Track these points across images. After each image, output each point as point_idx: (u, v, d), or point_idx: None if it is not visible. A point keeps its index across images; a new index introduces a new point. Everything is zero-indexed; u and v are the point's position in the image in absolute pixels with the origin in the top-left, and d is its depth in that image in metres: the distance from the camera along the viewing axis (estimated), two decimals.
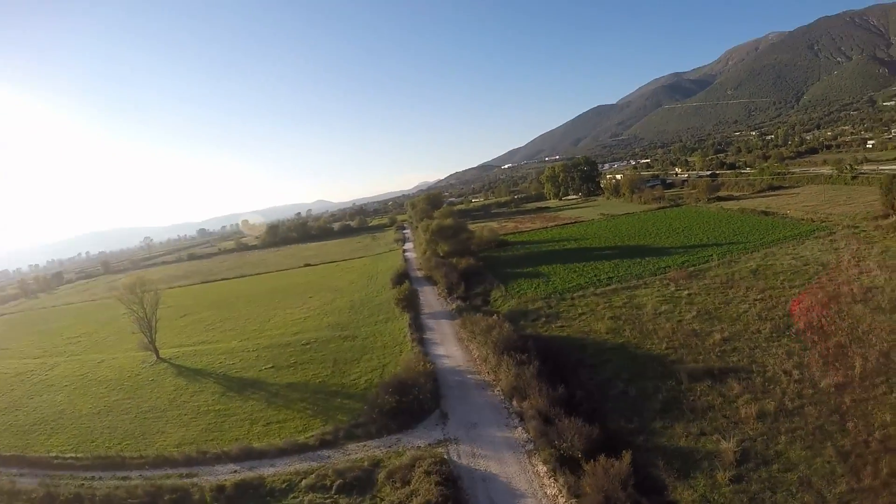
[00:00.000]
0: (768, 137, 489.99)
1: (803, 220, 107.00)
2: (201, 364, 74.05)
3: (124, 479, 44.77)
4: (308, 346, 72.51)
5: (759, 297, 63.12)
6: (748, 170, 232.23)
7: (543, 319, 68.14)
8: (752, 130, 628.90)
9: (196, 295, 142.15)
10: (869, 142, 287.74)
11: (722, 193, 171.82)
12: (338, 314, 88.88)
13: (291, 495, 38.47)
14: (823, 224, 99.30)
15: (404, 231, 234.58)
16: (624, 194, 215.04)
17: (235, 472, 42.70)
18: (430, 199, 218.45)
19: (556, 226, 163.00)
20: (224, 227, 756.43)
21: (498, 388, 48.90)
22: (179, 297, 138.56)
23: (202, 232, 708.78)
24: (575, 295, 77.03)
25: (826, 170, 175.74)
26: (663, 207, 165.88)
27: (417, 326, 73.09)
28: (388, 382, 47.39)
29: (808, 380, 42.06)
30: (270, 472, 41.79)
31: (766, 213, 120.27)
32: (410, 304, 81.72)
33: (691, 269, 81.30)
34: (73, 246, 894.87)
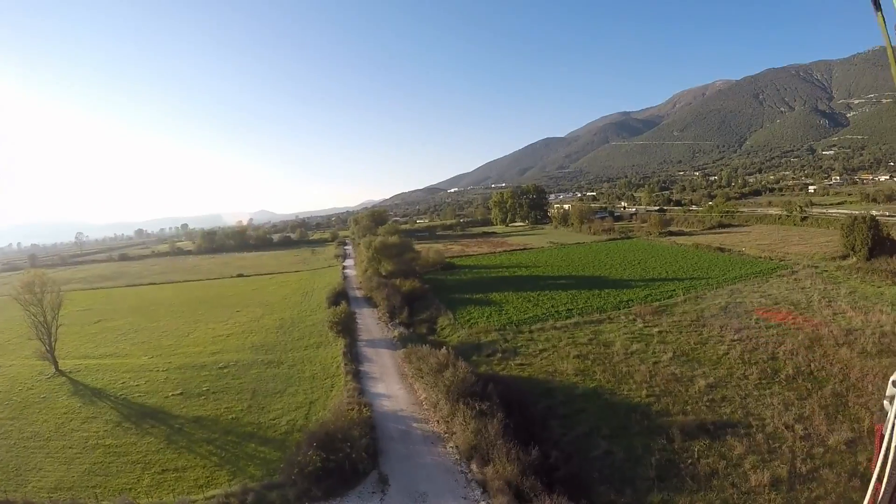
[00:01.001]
0: (712, 178, 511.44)
1: (761, 257, 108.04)
2: (102, 382, 63.37)
3: None
4: (226, 371, 62.88)
5: (735, 337, 59.48)
6: (695, 207, 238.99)
7: (500, 355, 60.35)
8: (695, 171, 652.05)
9: (117, 299, 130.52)
10: (811, 187, 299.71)
11: (673, 228, 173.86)
12: (265, 334, 79.54)
13: None
14: (782, 263, 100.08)
15: (346, 247, 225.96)
16: (573, 224, 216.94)
17: None
18: (375, 216, 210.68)
19: (504, 251, 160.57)
20: (162, 229, 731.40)
21: (452, 444, 39.47)
22: (98, 301, 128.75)
23: (139, 233, 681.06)
24: (533, 328, 70.00)
25: (774, 210, 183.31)
26: (614, 239, 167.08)
27: (353, 355, 64.00)
28: (313, 433, 37.52)
29: (814, 436, 37.36)
30: None
31: (721, 250, 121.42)
32: (346, 328, 71.71)
33: (656, 303, 77.71)
34: (4, 236, 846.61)
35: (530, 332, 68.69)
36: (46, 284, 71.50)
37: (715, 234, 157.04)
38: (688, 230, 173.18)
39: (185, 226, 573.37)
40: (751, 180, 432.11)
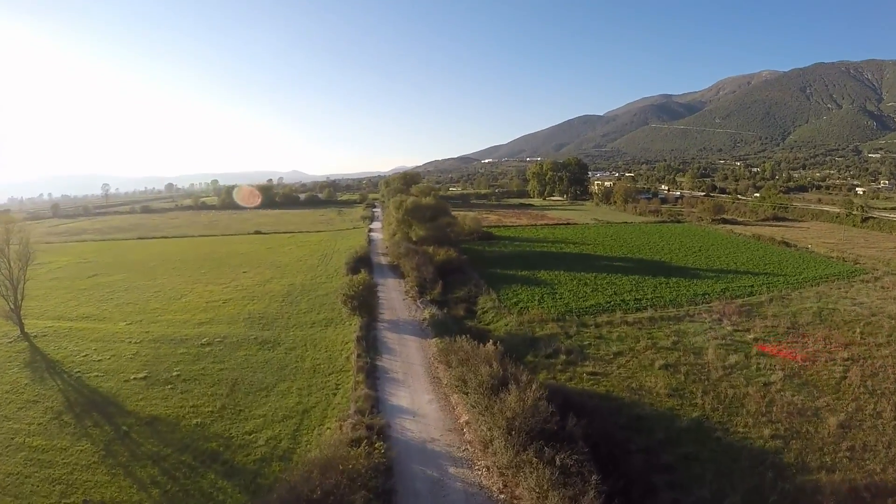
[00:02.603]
0: (754, 169, 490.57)
1: (832, 257, 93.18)
2: (64, 352, 50.91)
3: None
4: (208, 350, 49.38)
5: (846, 355, 46.37)
6: (743, 197, 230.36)
7: (563, 357, 45.64)
8: (736, 160, 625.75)
9: (121, 252, 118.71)
10: (858, 189, 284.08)
11: (726, 216, 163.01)
12: (267, 302, 66.18)
13: None
14: (858, 266, 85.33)
15: (374, 210, 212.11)
16: (616, 202, 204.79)
17: None
18: (407, 179, 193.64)
19: (545, 225, 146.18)
20: (192, 184, 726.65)
21: None
22: (103, 253, 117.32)
23: (169, 187, 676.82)
24: (599, 320, 55.50)
25: (831, 208, 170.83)
26: (663, 221, 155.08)
27: (370, 342, 49.57)
28: (296, 491, 22.88)
29: None
30: None
31: (786, 244, 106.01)
32: (365, 304, 56.29)
33: (739, 301, 63.46)
34: (41, 186, 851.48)
35: (596, 325, 54.18)
36: (12, 234, 58.23)
37: (771, 226, 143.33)
38: (740, 219, 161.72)
39: (215, 181, 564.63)
40: (795, 175, 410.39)
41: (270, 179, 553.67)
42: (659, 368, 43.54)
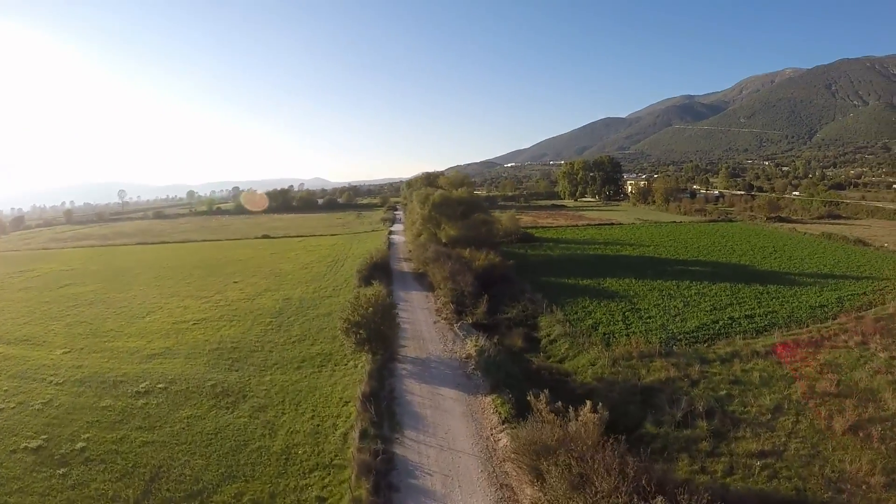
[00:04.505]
0: (784, 168, 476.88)
1: None
2: None
3: None
4: (142, 403, 32.40)
5: None
6: (795, 194, 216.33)
7: (704, 425, 27.49)
8: (764, 160, 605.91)
9: (111, 259, 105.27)
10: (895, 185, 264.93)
11: (782, 214, 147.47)
12: (250, 323, 49.58)
13: None
14: None
15: (396, 212, 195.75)
16: (655, 202, 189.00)
17: None
18: (430, 179, 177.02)
19: (588, 225, 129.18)
20: (213, 192, 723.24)
21: None
22: (92, 260, 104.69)
23: (190, 194, 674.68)
24: (720, 351, 38.13)
25: (887, 204, 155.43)
26: (714, 220, 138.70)
27: (384, 405, 31.14)
28: None
29: None
30: None
31: (863, 243, 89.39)
32: (378, 336, 36.57)
33: (870, 313, 47.52)
34: (64, 195, 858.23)
35: (722, 360, 36.29)
36: None
37: (829, 224, 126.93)
38: (794, 217, 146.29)
39: (235, 188, 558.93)
40: (828, 173, 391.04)
41: (291, 186, 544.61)
42: (843, 434, 26.26)
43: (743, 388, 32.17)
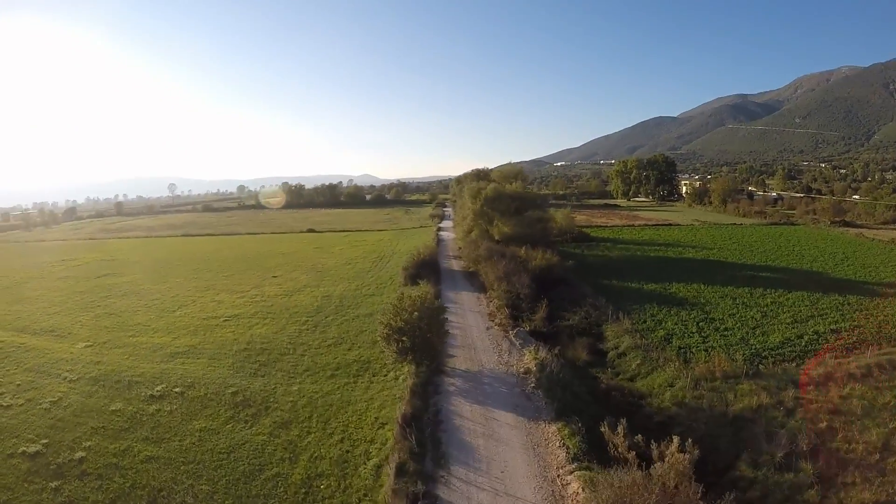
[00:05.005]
0: (842, 171, 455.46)
1: None
2: None
3: None
4: (154, 409, 28.62)
5: None
6: (855, 198, 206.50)
7: (809, 467, 21.85)
8: (820, 162, 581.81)
9: (152, 250, 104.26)
10: None
11: (847, 218, 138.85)
12: (285, 322, 45.79)
13: None
14: None
15: (444, 209, 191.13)
16: (712, 202, 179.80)
17: None
18: (481, 174, 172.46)
19: (645, 226, 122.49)
20: (263, 186, 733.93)
21: None
22: (135, 250, 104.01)
23: (241, 189, 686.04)
24: (811, 373, 31.68)
25: None
26: (774, 223, 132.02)
27: (428, 431, 25.79)
28: None
29: None
30: None
31: None
32: (423, 345, 31.78)
33: None
34: (118, 188, 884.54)
35: (812, 381, 30.37)
36: None
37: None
38: (859, 221, 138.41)
39: (285, 183, 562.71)
40: (888, 177, 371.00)
41: (340, 182, 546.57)
42: None
43: (845, 420, 26.52)
